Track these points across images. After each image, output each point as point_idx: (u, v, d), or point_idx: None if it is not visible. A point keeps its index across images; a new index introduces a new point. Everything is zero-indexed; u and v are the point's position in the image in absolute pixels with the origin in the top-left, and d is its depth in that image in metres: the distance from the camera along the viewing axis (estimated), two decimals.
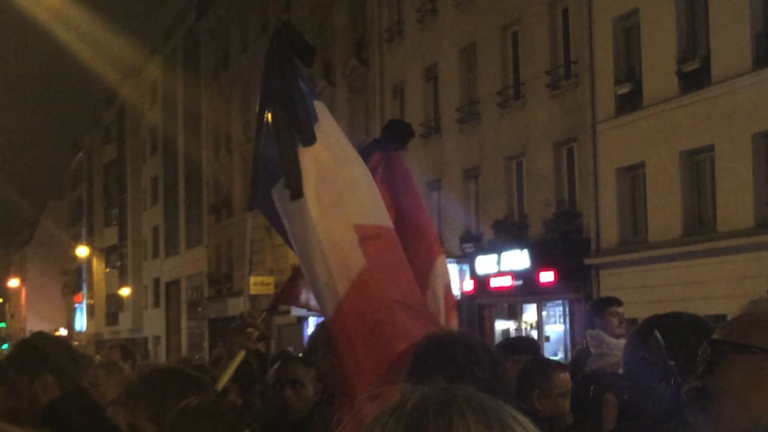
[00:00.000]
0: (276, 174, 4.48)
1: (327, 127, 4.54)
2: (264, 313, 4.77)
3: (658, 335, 3.09)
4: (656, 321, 3.24)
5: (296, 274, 5.20)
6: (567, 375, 5.04)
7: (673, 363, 2.99)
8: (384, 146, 4.93)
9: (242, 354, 4.34)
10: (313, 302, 5.20)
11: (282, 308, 27.41)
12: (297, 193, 4.32)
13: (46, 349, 4.27)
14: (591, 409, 3.01)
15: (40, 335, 4.73)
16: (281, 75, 4.58)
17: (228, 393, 5.22)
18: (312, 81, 4.87)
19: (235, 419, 3.01)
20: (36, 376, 4.13)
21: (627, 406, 3.06)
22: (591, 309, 7.81)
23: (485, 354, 2.89)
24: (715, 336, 2.22)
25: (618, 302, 7.67)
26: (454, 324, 4.62)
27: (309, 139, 4.41)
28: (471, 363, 2.78)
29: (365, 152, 4.94)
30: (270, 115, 4.57)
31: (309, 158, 4.38)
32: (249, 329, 4.39)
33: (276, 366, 5.93)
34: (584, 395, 2.99)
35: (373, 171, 4.75)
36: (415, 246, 4.67)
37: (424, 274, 4.64)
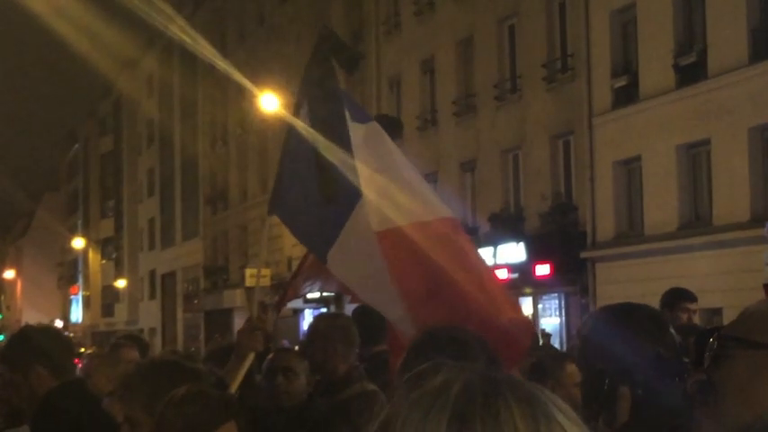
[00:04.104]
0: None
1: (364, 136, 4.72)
2: (272, 313, 4.79)
3: (674, 331, 3.11)
4: (616, 312, 3.26)
5: (298, 272, 5.23)
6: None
7: (687, 360, 3.01)
8: None
9: (252, 356, 4.36)
10: (305, 291, 5.31)
11: (277, 300, 27.30)
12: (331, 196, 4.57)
13: (34, 342, 4.28)
14: (604, 402, 3.02)
15: (27, 328, 4.74)
16: (320, 84, 4.71)
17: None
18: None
19: (220, 409, 3.01)
20: (29, 370, 4.13)
21: (640, 401, 3.08)
22: (664, 298, 7.60)
23: (479, 348, 2.89)
24: (722, 330, 2.22)
25: (692, 299, 7.45)
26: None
27: (347, 145, 4.62)
28: (463, 358, 2.79)
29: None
30: (306, 122, 4.69)
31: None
32: (257, 332, 4.42)
33: (269, 356, 5.97)
34: (599, 388, 3.01)
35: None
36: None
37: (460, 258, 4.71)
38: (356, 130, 4.66)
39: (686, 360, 3.04)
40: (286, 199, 4.84)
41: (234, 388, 4.22)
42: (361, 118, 4.82)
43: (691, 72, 21.75)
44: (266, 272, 41.00)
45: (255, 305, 4.71)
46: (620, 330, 3.16)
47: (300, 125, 4.71)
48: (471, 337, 3.00)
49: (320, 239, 4.66)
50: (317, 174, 4.63)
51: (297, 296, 5.40)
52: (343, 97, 4.81)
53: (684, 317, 7.12)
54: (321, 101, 4.73)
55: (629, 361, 3.07)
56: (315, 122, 4.68)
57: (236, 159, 49.67)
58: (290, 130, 4.83)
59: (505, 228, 27.44)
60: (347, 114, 4.68)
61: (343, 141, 4.60)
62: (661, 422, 2.96)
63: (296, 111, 4.84)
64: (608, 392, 3.09)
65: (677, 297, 7.58)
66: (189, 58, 55.01)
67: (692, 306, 7.34)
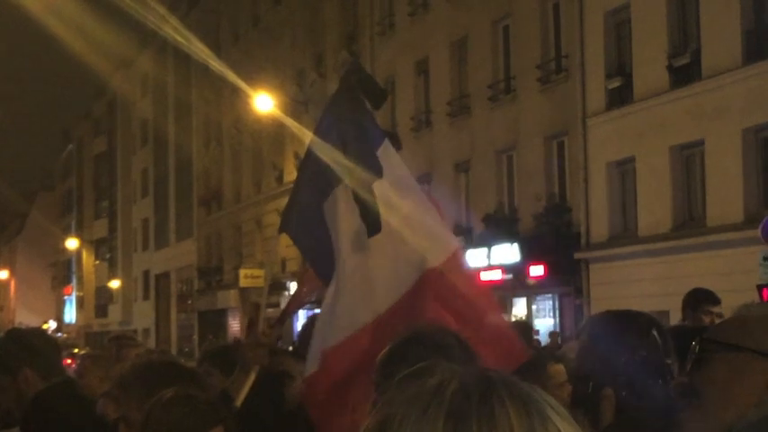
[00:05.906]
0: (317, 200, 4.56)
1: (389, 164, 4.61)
2: (276, 326, 4.78)
3: (656, 334, 3.12)
4: (622, 318, 3.27)
5: (300, 284, 5.23)
6: (561, 367, 5.06)
7: (670, 361, 3.03)
8: None
9: (257, 368, 4.35)
10: (306, 302, 5.28)
11: (273, 300, 27.40)
12: (375, 229, 4.35)
13: (22, 344, 4.29)
14: (589, 404, 3.04)
15: (13, 332, 4.75)
16: (350, 112, 4.62)
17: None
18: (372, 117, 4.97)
19: (208, 413, 2.98)
20: (17, 373, 4.14)
21: (624, 402, 3.09)
22: (687, 298, 7.48)
23: (460, 349, 2.88)
24: (704, 334, 2.26)
25: (715, 301, 7.29)
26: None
27: (378, 172, 4.48)
28: (444, 358, 2.77)
29: None
30: (328, 151, 4.63)
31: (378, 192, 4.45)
32: (262, 346, 4.40)
33: None
34: (583, 390, 3.02)
35: None
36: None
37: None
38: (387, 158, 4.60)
39: (669, 361, 3.06)
40: (298, 218, 4.82)
41: (239, 401, 4.20)
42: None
43: (685, 73, 21.78)
44: (259, 272, 41.06)
45: (262, 317, 4.70)
46: (605, 334, 3.18)
47: (322, 146, 4.66)
48: (455, 338, 2.99)
49: (327, 264, 4.62)
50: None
51: (299, 308, 5.38)
52: (371, 127, 4.72)
53: (707, 320, 6.95)
54: (350, 129, 4.64)
55: (612, 363, 3.08)
56: (346, 150, 4.60)
57: (230, 160, 49.65)
58: (309, 151, 4.79)
59: (499, 228, 27.45)
60: (385, 144, 4.63)
61: (371, 169, 4.52)
62: (644, 423, 2.97)
63: (317, 132, 4.77)
64: (592, 394, 3.11)
65: (700, 299, 7.41)
66: (183, 59, 55.03)
67: (715, 309, 7.15)
